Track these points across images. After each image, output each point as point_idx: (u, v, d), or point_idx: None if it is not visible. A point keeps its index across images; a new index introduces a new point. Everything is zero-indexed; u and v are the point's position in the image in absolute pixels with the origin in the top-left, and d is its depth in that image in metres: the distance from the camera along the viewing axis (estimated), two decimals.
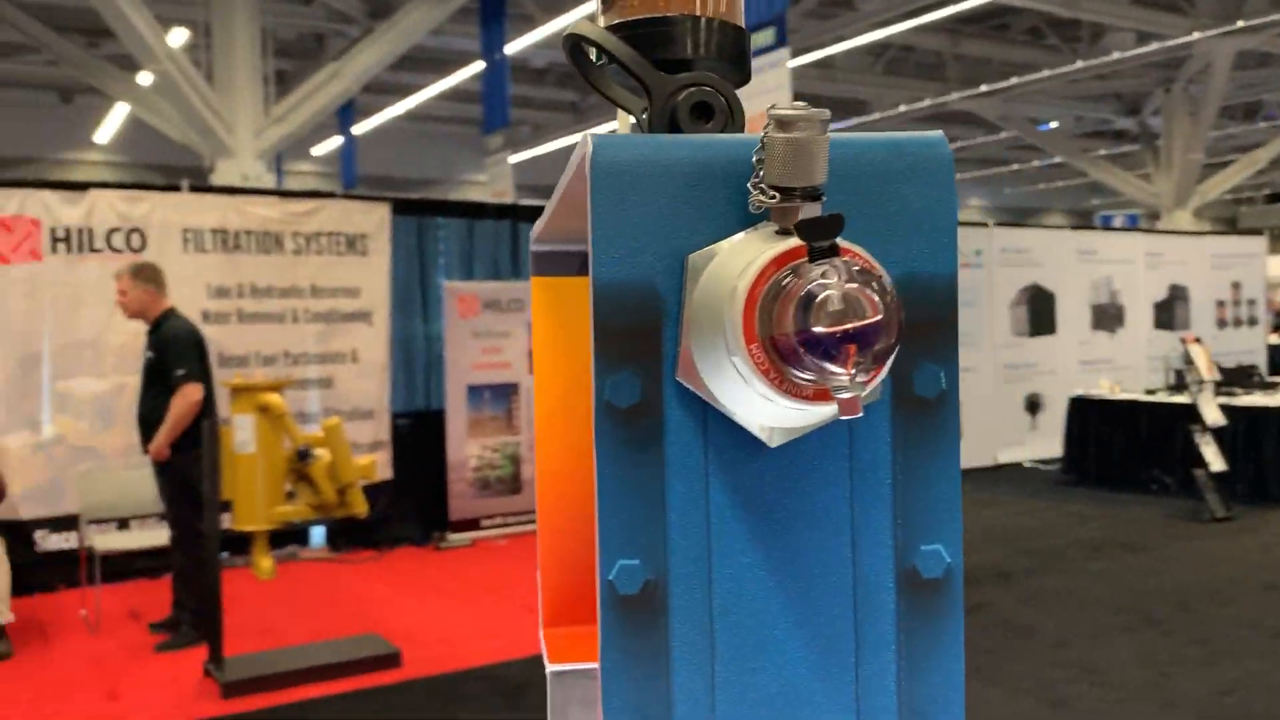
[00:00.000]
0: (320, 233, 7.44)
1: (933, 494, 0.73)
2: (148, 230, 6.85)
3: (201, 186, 7.50)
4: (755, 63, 7.97)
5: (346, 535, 7.37)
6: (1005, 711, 4.28)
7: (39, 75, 14.83)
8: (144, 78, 10.51)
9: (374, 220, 7.67)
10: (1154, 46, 12.45)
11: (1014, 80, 13.50)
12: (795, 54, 10.62)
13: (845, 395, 0.58)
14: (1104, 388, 10.17)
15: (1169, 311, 12.54)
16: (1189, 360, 8.12)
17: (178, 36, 11.03)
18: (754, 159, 0.67)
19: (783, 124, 0.64)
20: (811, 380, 0.60)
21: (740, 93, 0.79)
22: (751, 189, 0.67)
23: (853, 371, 0.58)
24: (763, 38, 8.05)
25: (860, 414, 0.59)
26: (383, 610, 5.90)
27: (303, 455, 5.03)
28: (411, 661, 4.91)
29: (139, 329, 5.40)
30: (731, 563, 0.70)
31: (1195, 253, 12.95)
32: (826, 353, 0.58)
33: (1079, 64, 12.95)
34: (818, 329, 0.58)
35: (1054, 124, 18.08)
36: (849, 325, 0.58)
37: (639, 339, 0.69)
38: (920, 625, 0.72)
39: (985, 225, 11.45)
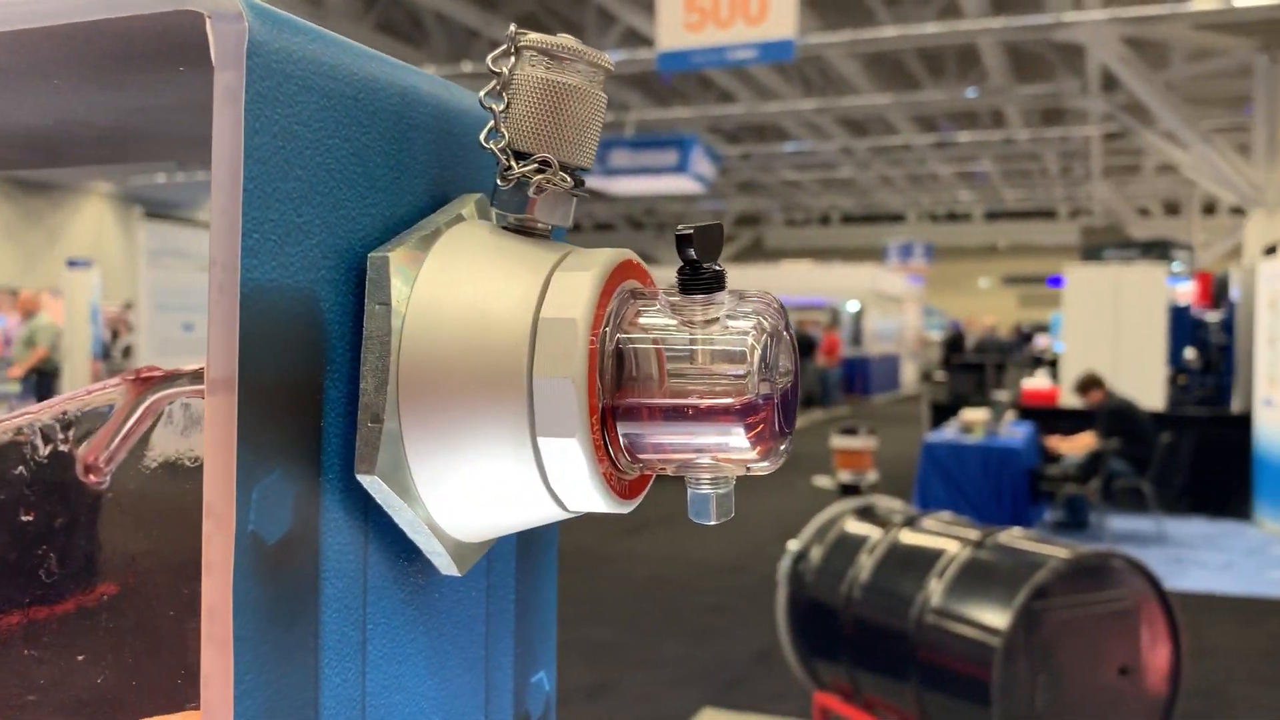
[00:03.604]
0: None
1: (540, 615, 0.54)
2: None
3: None
4: None
5: None
6: None
7: None
8: None
9: None
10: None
11: None
12: None
13: (713, 488, 0.43)
14: None
15: None
16: None
17: None
18: (489, 104, 0.43)
19: (551, 57, 0.42)
20: (649, 460, 0.43)
21: None
22: (493, 149, 0.43)
23: (759, 444, 0.42)
24: None
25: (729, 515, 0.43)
26: None
27: None
28: None
29: None
30: None
31: None
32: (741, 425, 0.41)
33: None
34: (751, 394, 0.41)
35: None
36: (778, 384, 0.42)
37: (291, 407, 0.36)
38: None
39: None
